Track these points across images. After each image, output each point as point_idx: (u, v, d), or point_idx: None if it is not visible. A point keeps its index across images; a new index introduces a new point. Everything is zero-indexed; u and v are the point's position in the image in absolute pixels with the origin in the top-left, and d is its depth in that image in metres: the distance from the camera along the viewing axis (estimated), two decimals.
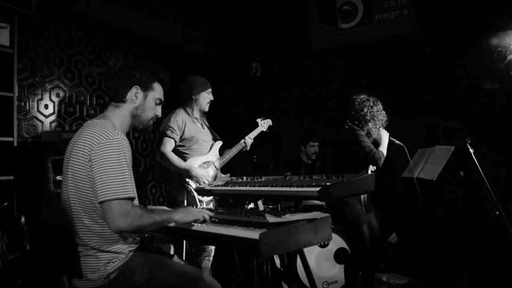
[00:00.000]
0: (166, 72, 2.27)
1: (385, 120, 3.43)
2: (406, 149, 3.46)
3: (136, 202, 1.98)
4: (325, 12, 5.94)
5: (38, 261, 2.09)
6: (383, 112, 3.43)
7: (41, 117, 3.83)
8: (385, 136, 3.45)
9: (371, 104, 3.39)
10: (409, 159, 3.54)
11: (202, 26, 5.65)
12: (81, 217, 1.93)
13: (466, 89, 4.89)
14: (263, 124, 3.97)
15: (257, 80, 5.90)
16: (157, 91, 2.23)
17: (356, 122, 3.37)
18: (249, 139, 3.77)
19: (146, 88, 2.18)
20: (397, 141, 3.46)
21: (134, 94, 2.14)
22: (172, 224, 2.12)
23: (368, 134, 3.39)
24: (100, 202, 1.83)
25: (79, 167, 1.92)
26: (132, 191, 1.89)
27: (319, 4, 5.99)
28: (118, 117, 2.13)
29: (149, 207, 2.26)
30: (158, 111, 2.26)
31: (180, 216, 2.09)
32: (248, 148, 3.78)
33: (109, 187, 1.83)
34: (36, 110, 3.80)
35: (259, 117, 4.01)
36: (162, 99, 2.26)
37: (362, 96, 3.44)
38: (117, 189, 1.83)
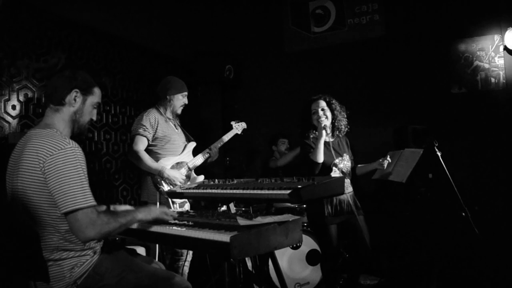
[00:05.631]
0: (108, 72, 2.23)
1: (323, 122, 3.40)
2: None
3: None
4: (298, 16, 5.99)
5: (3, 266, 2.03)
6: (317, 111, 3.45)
7: (8, 118, 3.72)
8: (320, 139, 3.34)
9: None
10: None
11: (174, 27, 5.61)
12: (39, 232, 1.88)
13: (434, 93, 5.02)
14: (238, 127, 3.96)
15: (230, 82, 5.89)
16: (97, 95, 2.18)
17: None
18: (214, 148, 3.72)
19: (86, 92, 2.12)
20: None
21: (74, 98, 2.08)
22: (134, 226, 2.14)
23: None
24: (65, 214, 1.79)
25: (32, 182, 1.86)
26: (93, 199, 1.85)
27: (292, 7, 6.04)
28: (60, 123, 2.07)
29: (112, 207, 2.25)
30: (94, 114, 2.21)
31: (143, 214, 2.10)
32: (214, 158, 3.74)
33: (70, 198, 1.78)
34: (3, 111, 3.69)
35: (233, 120, 3.99)
36: (100, 102, 2.23)
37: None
38: (77, 199, 1.79)
